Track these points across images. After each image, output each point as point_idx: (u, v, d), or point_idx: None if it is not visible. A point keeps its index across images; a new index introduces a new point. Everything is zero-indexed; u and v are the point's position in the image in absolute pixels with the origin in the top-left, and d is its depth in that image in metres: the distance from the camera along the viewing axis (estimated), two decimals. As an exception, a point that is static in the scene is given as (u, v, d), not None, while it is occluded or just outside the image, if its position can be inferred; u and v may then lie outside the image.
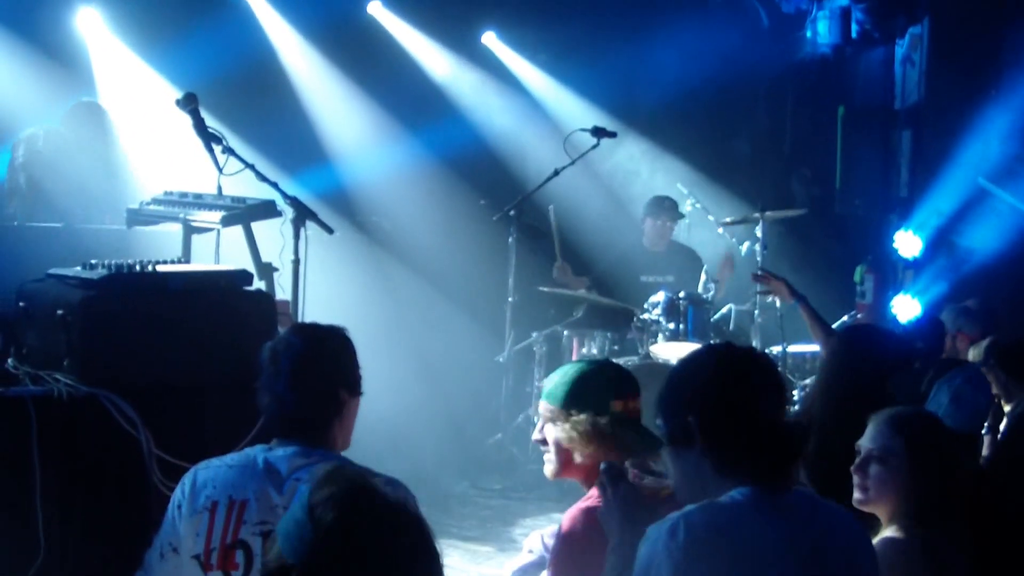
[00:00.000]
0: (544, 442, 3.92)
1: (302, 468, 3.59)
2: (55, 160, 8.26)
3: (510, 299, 9.53)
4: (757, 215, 9.39)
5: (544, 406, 3.92)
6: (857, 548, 3.12)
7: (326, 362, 3.78)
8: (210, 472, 3.64)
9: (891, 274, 11.33)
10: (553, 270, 9.96)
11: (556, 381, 3.93)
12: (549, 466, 3.93)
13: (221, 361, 4.77)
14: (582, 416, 3.81)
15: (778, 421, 3.07)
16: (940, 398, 4.48)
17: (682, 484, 3.12)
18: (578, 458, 3.84)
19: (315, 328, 3.87)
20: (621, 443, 3.79)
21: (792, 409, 8.63)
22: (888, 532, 3.80)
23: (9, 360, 4.76)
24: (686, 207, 10.33)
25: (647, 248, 10.12)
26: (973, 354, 6.95)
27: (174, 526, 3.64)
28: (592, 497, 3.72)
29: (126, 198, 8.01)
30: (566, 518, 3.72)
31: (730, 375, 3.08)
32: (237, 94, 9.50)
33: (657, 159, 11.67)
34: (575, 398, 3.87)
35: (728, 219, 9.95)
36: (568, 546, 3.67)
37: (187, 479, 3.67)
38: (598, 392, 3.88)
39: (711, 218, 10.22)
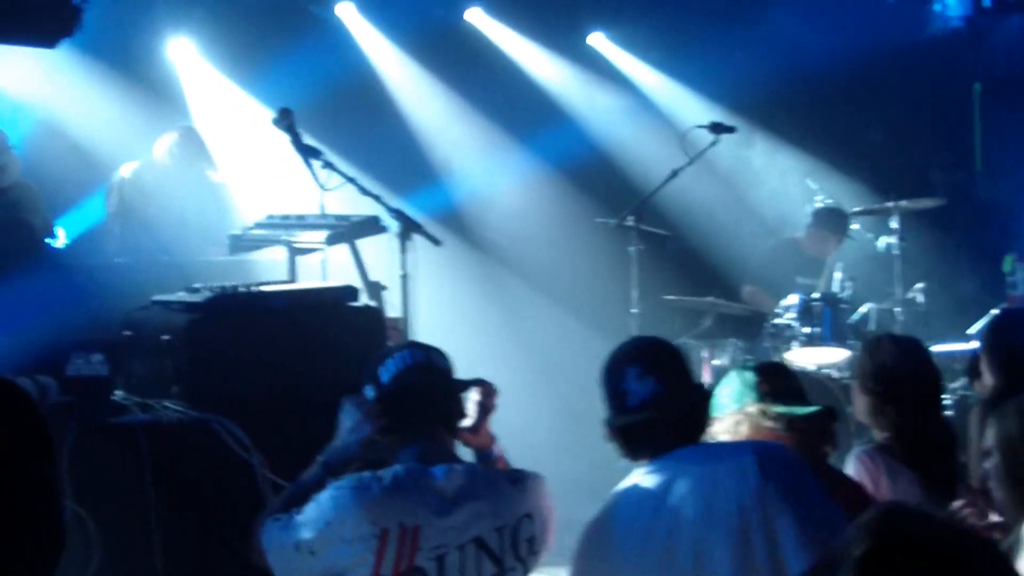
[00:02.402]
0: None
1: (467, 486, 3.75)
2: (152, 196, 8.54)
3: (633, 311, 9.51)
4: (891, 205, 9.32)
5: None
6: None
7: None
8: (373, 496, 3.66)
9: (1045, 261, 11.09)
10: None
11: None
12: None
13: (330, 379, 4.89)
14: (734, 407, 4.21)
15: None
16: None
17: None
18: None
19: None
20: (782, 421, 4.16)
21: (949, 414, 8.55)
22: None
23: (117, 391, 4.95)
24: (816, 203, 10.29)
25: (801, 249, 10.13)
26: None
27: (322, 537, 3.66)
28: None
29: (223, 225, 8.27)
30: None
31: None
32: (335, 114, 9.69)
33: (781, 152, 11.64)
34: (729, 399, 4.27)
35: (859, 208, 9.88)
36: None
37: (343, 499, 3.67)
38: (744, 384, 4.28)
39: (843, 212, 10.16)
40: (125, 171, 8.68)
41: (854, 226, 10.10)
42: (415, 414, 3.90)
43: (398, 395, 3.91)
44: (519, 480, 3.90)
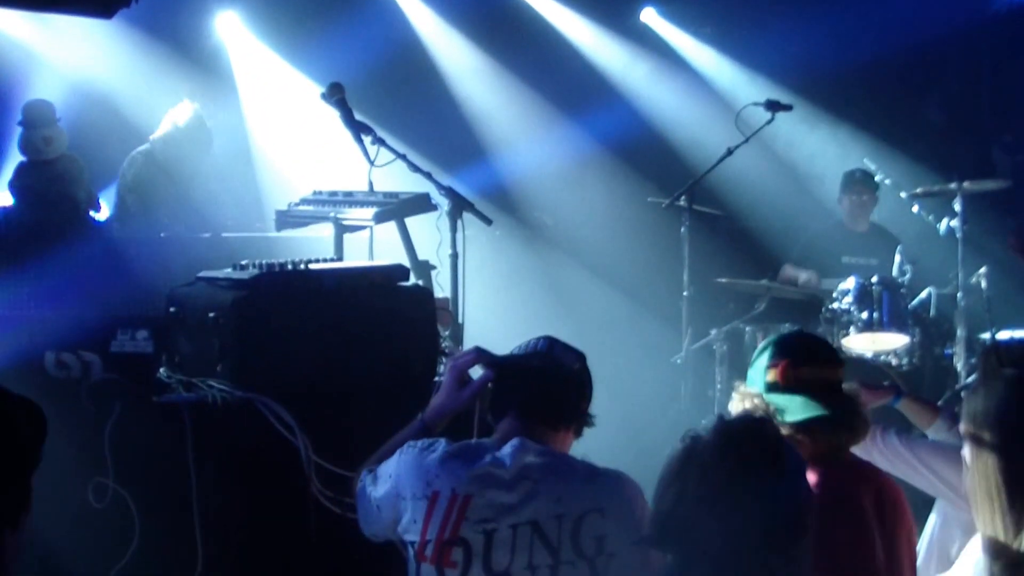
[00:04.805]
0: None
1: (535, 468, 3.71)
2: (156, 176, 8.54)
3: (685, 293, 9.43)
4: (954, 187, 9.18)
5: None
6: None
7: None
8: (433, 458, 3.73)
9: (1117, 250, 10.92)
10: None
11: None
12: None
13: (379, 361, 4.87)
14: (743, 389, 4.23)
15: None
16: None
17: None
18: None
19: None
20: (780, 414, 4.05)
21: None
22: None
23: (161, 370, 4.92)
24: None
25: (848, 228, 10.03)
26: None
27: (388, 491, 3.79)
28: None
29: (226, 200, 8.25)
30: None
31: None
32: (384, 90, 9.67)
33: (839, 131, 11.53)
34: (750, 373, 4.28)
35: (920, 190, 9.74)
36: None
37: (409, 456, 3.78)
38: (757, 363, 4.26)
39: (903, 195, 10.01)
40: (131, 156, 8.68)
41: (913, 208, 9.96)
42: (509, 394, 3.96)
43: (502, 372, 4.02)
44: (596, 473, 3.79)
